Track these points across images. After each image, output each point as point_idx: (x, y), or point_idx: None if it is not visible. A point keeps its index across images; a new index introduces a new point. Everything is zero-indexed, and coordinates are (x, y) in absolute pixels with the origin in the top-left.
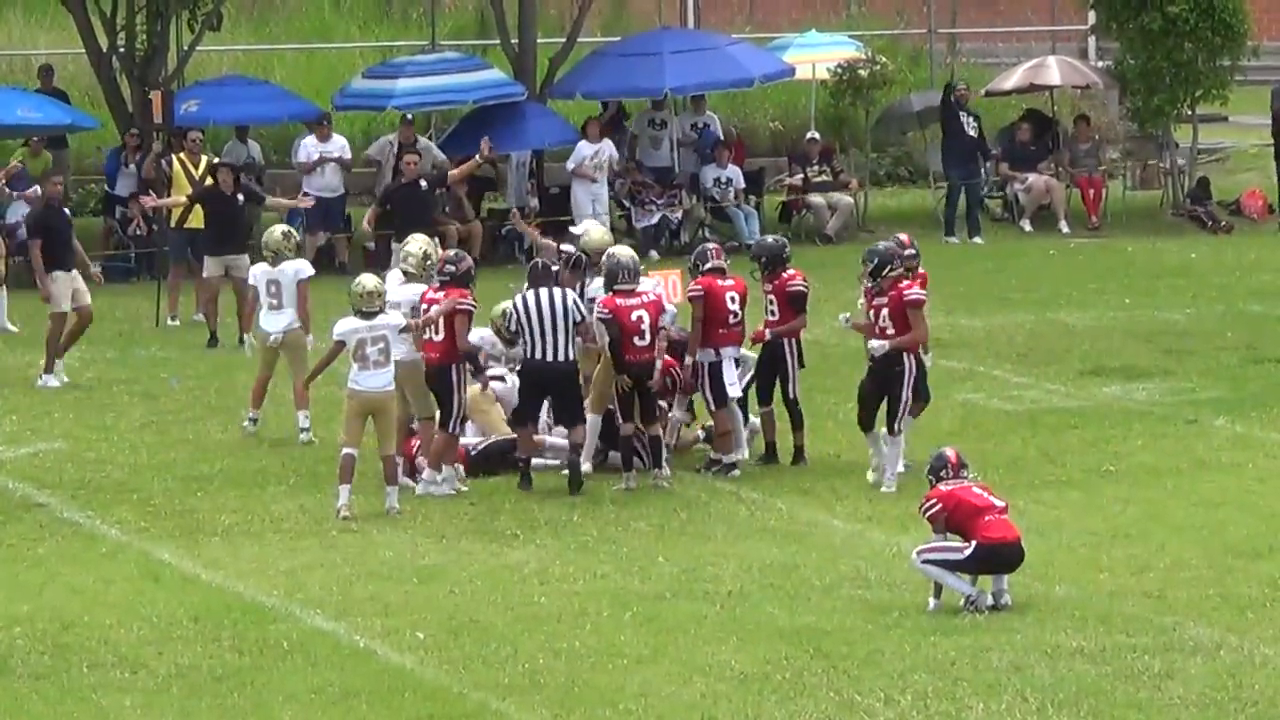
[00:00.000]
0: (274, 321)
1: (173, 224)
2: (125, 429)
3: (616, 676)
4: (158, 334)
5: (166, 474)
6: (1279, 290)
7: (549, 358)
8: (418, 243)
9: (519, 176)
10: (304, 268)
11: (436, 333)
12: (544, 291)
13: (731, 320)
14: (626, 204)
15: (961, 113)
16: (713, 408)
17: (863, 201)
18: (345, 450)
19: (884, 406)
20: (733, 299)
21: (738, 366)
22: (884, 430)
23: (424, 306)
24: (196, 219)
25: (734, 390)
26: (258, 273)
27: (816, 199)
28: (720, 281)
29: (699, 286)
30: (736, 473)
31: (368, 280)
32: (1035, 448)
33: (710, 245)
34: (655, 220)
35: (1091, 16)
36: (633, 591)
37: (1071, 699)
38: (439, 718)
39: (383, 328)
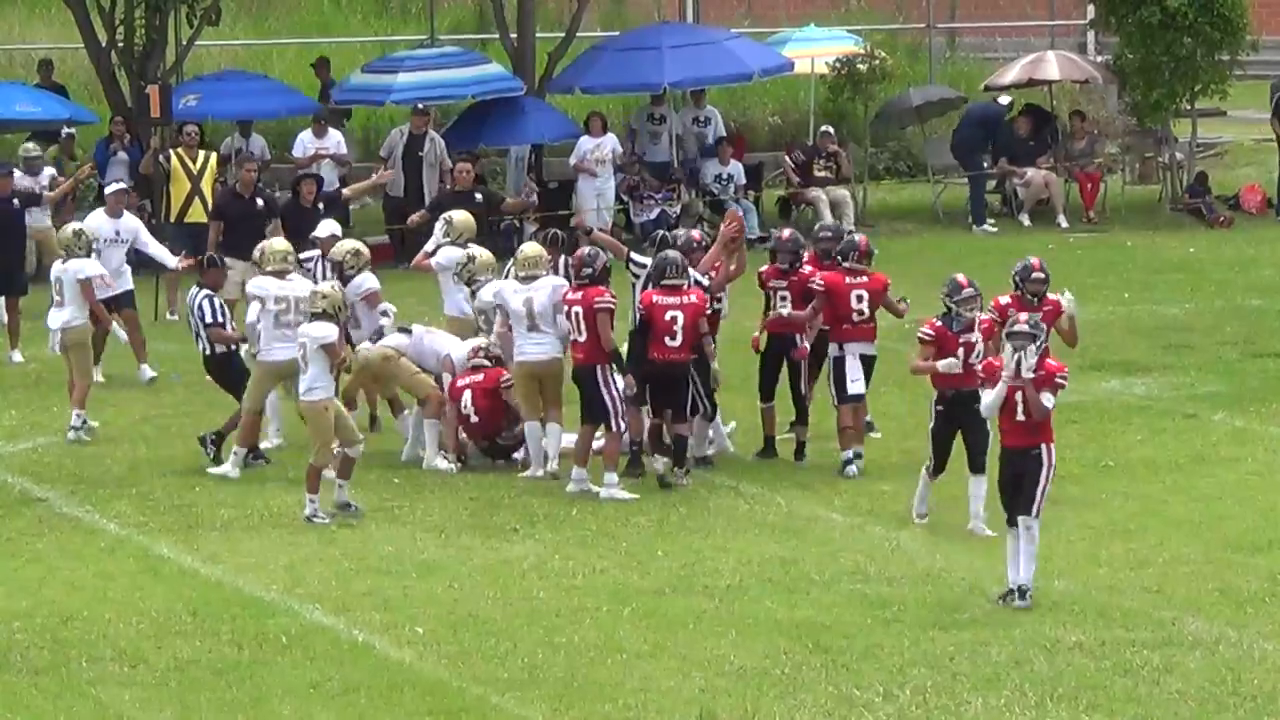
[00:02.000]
0: (54, 319)
1: (173, 218)
2: (124, 424)
3: (615, 671)
4: (157, 329)
5: (165, 469)
6: (1278, 285)
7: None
8: (281, 242)
9: (518, 171)
10: (85, 268)
11: (580, 333)
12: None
13: (855, 317)
14: (625, 198)
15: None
16: (835, 403)
17: (861, 196)
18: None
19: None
20: (859, 297)
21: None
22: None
23: (564, 308)
24: (197, 213)
25: (856, 387)
26: (54, 271)
27: (817, 193)
28: (848, 280)
29: (821, 280)
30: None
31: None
32: None
33: (858, 238)
34: (654, 215)
35: (1090, 11)
36: (632, 586)
37: (1070, 693)
38: (438, 712)
39: (302, 335)
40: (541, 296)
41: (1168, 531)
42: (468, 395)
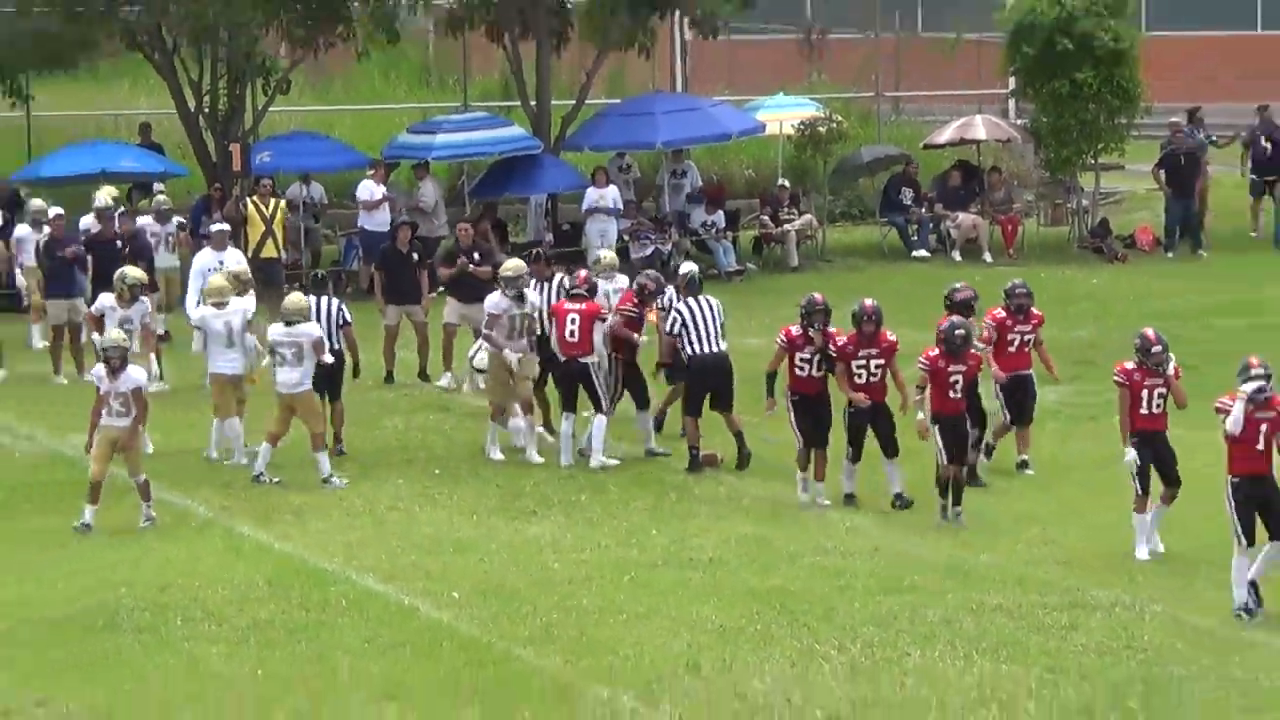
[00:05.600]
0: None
1: (249, 255)
2: (209, 424)
3: (617, 630)
4: None
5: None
6: (1167, 311)
7: (711, 349)
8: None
9: (537, 215)
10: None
11: (815, 369)
12: (697, 299)
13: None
14: (625, 238)
15: (908, 188)
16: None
17: (822, 237)
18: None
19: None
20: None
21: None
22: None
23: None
24: (269, 250)
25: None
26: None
27: (786, 229)
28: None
29: (991, 321)
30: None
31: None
32: None
33: (816, 297)
34: (649, 252)
35: (1012, 82)
36: (630, 560)
37: (993, 647)
38: (472, 664)
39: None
40: (236, 321)
41: (1074, 517)
42: (574, 319)
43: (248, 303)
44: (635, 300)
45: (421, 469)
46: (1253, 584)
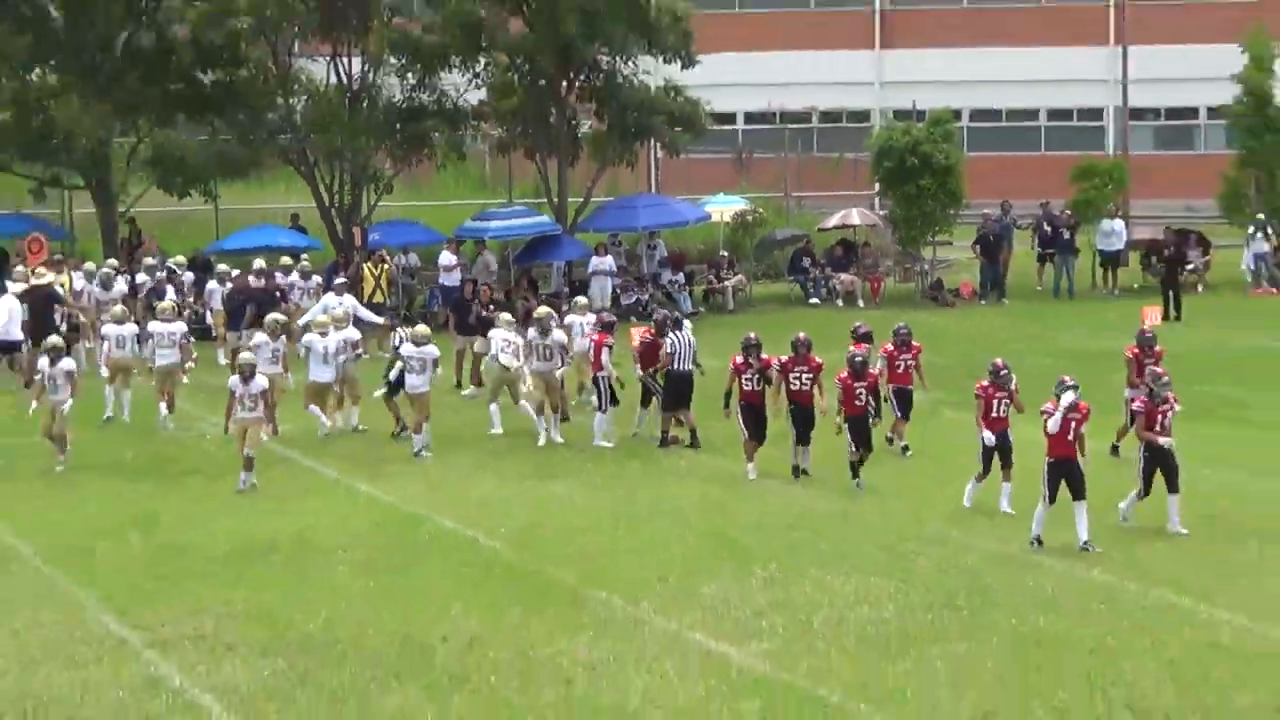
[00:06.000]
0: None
1: (364, 300)
2: (326, 415)
3: (613, 559)
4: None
5: (360, 440)
6: (983, 342)
7: (685, 368)
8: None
9: (558, 275)
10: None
11: (756, 385)
12: (680, 333)
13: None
14: (618, 290)
15: (806, 257)
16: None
17: (749, 290)
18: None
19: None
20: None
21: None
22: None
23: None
24: (378, 298)
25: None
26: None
27: (725, 286)
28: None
29: (883, 353)
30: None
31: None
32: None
33: (752, 335)
34: (634, 300)
35: (877, 186)
36: (623, 512)
37: (863, 567)
38: (514, 578)
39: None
40: (330, 344)
41: (919, 485)
42: (590, 345)
43: (348, 333)
44: (653, 330)
45: (479, 447)
46: (1086, 545)
